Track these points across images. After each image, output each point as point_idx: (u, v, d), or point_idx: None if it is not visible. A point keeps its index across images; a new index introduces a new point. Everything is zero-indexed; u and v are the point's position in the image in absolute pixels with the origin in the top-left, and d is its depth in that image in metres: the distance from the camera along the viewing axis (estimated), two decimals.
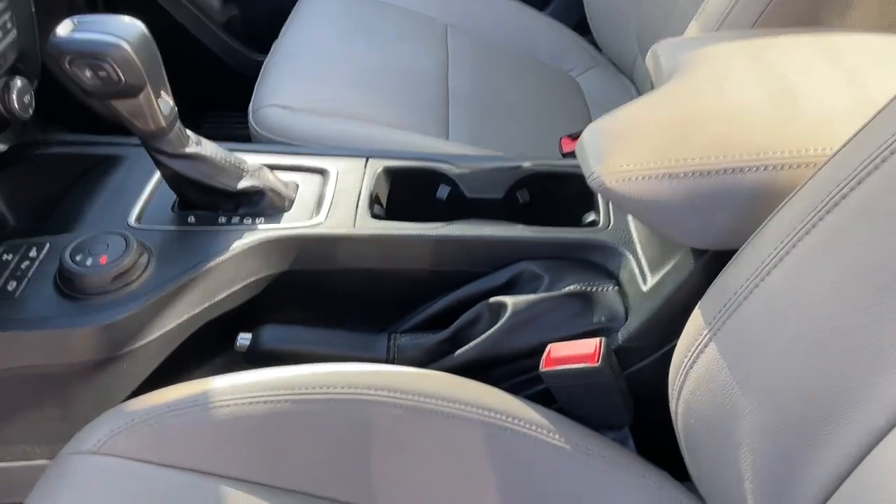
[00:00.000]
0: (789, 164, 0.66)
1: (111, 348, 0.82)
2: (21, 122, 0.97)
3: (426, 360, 0.86)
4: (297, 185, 0.99)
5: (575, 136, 1.12)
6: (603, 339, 0.76)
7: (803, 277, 0.54)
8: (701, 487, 0.66)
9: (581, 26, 1.71)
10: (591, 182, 0.70)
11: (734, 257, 0.62)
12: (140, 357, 0.84)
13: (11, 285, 0.84)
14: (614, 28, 1.54)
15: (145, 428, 0.70)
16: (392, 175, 1.02)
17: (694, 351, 0.64)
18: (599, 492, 0.71)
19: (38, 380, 0.82)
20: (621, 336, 0.82)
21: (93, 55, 0.78)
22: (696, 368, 0.64)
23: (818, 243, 0.54)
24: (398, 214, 0.96)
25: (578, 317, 0.84)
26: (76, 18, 0.81)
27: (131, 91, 0.81)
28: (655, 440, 0.79)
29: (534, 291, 0.86)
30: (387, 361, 0.86)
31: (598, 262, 0.89)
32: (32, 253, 0.89)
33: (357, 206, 0.94)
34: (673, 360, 0.67)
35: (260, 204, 0.94)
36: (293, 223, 0.92)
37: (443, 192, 1.01)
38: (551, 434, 0.74)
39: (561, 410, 0.80)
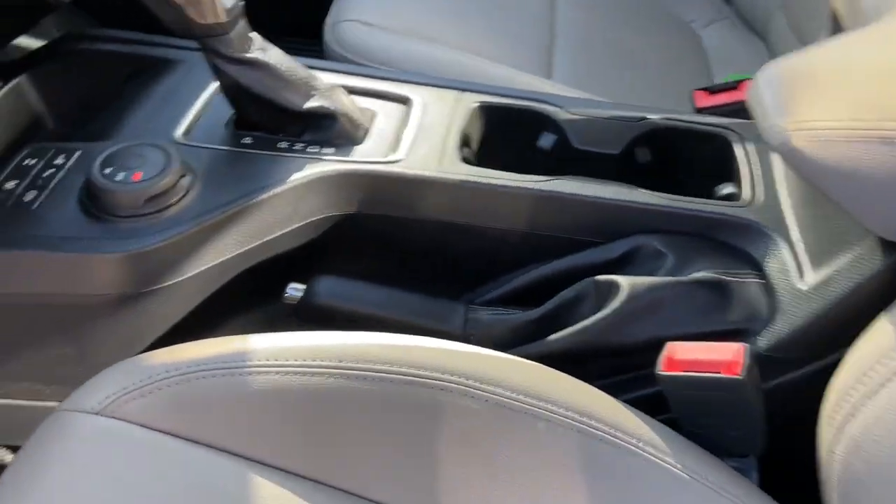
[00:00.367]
0: None
1: (136, 283, 0.68)
2: (66, 10, 0.83)
3: (510, 341, 0.70)
4: (375, 114, 0.83)
5: (712, 90, 0.93)
6: (746, 345, 0.59)
7: None
8: None
9: None
10: (772, 138, 0.52)
11: None
12: (170, 297, 0.71)
13: (30, 195, 0.71)
14: None
15: (165, 390, 0.56)
16: (487, 114, 0.85)
17: (874, 374, 0.49)
18: None
19: (51, 311, 0.70)
20: (763, 342, 0.65)
21: None
22: (877, 399, 0.49)
23: None
24: (491, 162, 0.79)
25: (709, 312, 0.66)
26: None
27: None
28: (784, 475, 0.63)
29: (653, 273, 0.69)
30: (461, 338, 0.70)
31: (738, 245, 0.71)
32: (59, 160, 0.75)
33: (444, 146, 0.78)
34: (836, 380, 0.53)
35: (329, 130, 0.78)
36: (366, 157, 0.76)
37: (546, 140, 0.84)
38: (664, 455, 0.59)
39: (671, 423, 0.64)
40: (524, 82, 0.98)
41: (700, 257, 0.69)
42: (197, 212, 0.70)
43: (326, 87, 0.79)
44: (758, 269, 0.69)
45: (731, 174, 0.79)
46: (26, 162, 0.75)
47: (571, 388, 0.62)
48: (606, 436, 0.58)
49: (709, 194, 0.79)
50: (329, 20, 1.06)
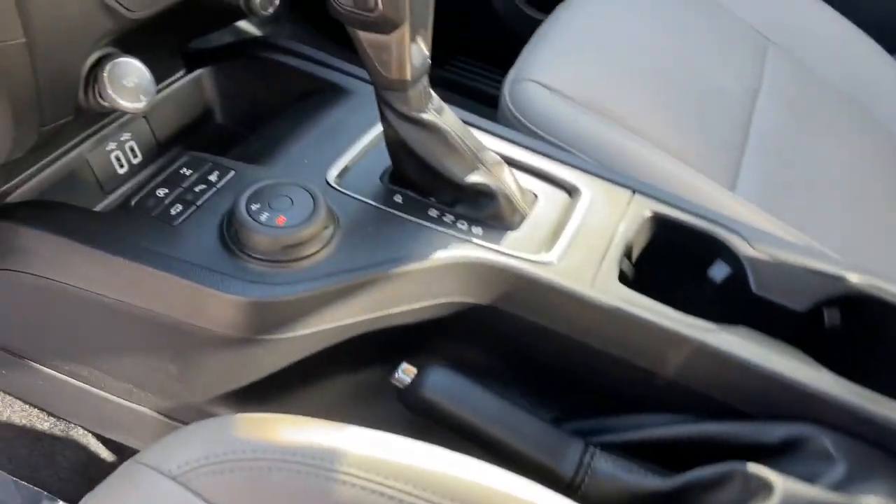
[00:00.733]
0: None
1: (252, 330, 0.65)
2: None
3: None
4: (536, 199, 0.76)
5: None
6: None
7: None
8: None
9: None
10: None
11: None
12: (280, 349, 0.67)
13: (176, 209, 0.70)
14: None
15: (244, 472, 0.52)
16: (659, 225, 0.76)
17: None
18: None
19: (164, 328, 0.68)
20: None
21: None
22: None
23: None
24: (650, 281, 0.70)
25: None
26: None
27: (384, 25, 0.62)
28: None
29: (815, 478, 0.58)
30: (570, 485, 0.62)
31: None
32: (213, 176, 0.73)
33: (604, 257, 0.70)
34: None
35: (485, 209, 0.72)
36: (516, 250, 0.70)
37: (719, 271, 0.74)
38: None
39: None
40: (705, 192, 0.88)
41: (878, 477, 0.57)
42: (330, 270, 0.66)
43: (493, 161, 0.73)
44: None
45: None
46: (182, 171, 0.74)
47: None
48: None
49: None
50: (511, 74, 0.99)
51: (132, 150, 0.85)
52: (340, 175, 0.75)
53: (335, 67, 0.90)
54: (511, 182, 0.74)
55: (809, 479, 0.58)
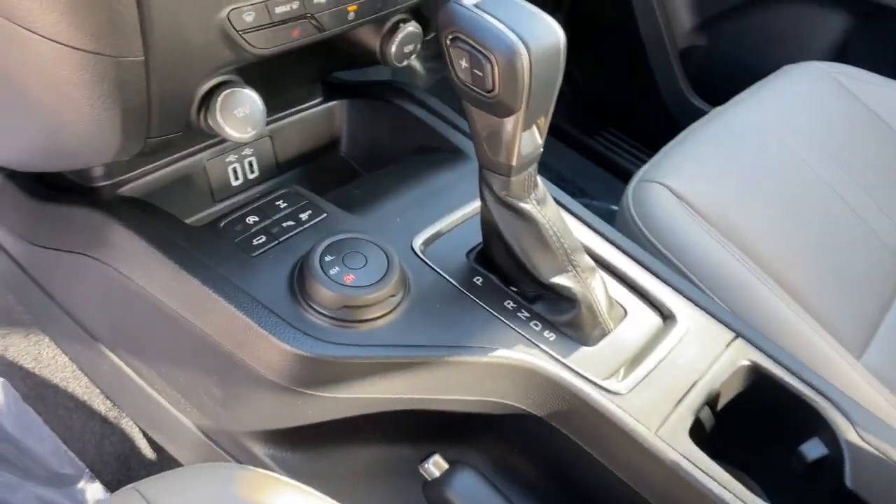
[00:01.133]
0: None
1: (295, 381, 0.63)
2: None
3: None
4: (625, 316, 0.71)
5: None
6: None
7: None
8: None
9: None
10: None
11: None
12: (321, 405, 0.65)
13: (259, 240, 0.70)
14: None
15: None
16: (755, 380, 0.68)
17: None
18: None
19: (217, 354, 0.68)
20: None
21: (479, 45, 0.56)
22: None
23: None
24: (728, 437, 0.63)
25: None
26: None
27: (499, 109, 0.59)
28: None
29: None
30: None
31: None
32: (304, 215, 0.73)
33: (680, 402, 0.63)
34: None
35: (563, 314, 0.68)
36: (585, 369, 0.64)
37: (814, 450, 0.65)
38: None
39: None
40: (824, 353, 0.78)
41: None
42: (388, 341, 0.63)
43: (586, 266, 0.68)
44: None
45: None
46: (278, 203, 0.75)
47: None
48: None
49: None
50: (641, 171, 0.94)
51: (251, 164, 0.87)
52: (428, 242, 0.73)
53: (460, 129, 0.89)
54: (601, 292, 0.69)
55: None
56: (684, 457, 0.59)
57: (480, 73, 0.57)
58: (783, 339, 0.75)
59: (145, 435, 0.88)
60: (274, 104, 0.87)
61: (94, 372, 0.85)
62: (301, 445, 0.71)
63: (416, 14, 0.78)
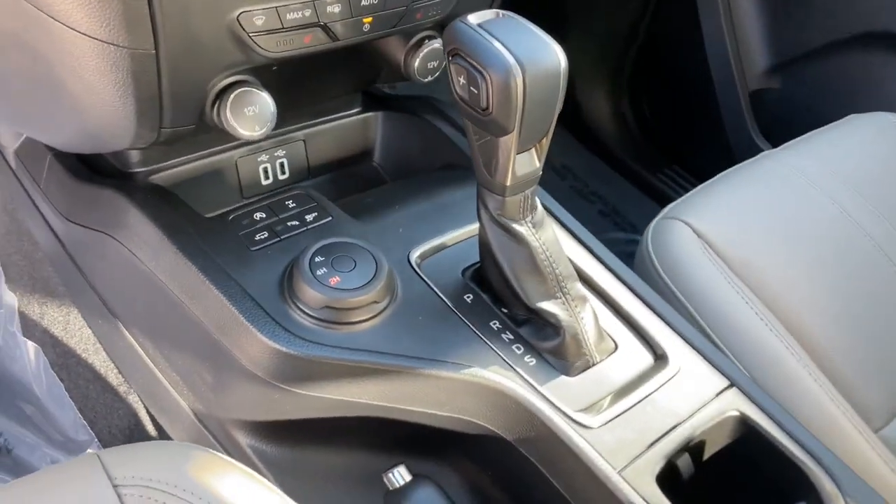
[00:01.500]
0: None
1: (273, 375, 0.65)
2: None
3: None
4: (614, 350, 0.69)
5: None
6: None
7: None
8: None
9: None
10: None
11: None
12: (299, 402, 0.67)
13: (261, 235, 0.72)
14: None
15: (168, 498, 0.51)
16: (743, 433, 0.65)
17: None
18: None
19: (209, 341, 0.70)
20: None
21: (476, 63, 0.57)
22: None
23: None
24: (708, 490, 0.60)
25: None
26: (504, 14, 0.61)
27: (494, 128, 0.59)
28: None
29: None
30: None
31: None
32: (310, 216, 0.75)
33: (654, 443, 0.61)
34: None
35: (548, 341, 0.67)
36: (559, 399, 0.63)
37: None
38: None
39: None
40: (833, 417, 0.74)
41: None
42: (366, 345, 0.64)
43: (577, 295, 0.68)
44: None
45: None
46: (287, 202, 0.77)
47: None
48: None
49: None
50: (665, 209, 0.91)
51: (282, 166, 0.90)
52: (425, 255, 0.73)
53: None
54: (590, 323, 0.68)
55: None
56: (645, 500, 0.57)
57: (476, 91, 0.58)
58: (789, 397, 0.72)
59: (149, 412, 0.92)
60: (308, 111, 0.91)
61: (111, 347, 0.90)
62: (281, 441, 0.72)
63: (443, 30, 0.80)
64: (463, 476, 0.68)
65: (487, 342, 0.66)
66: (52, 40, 0.57)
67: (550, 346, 0.67)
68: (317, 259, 0.67)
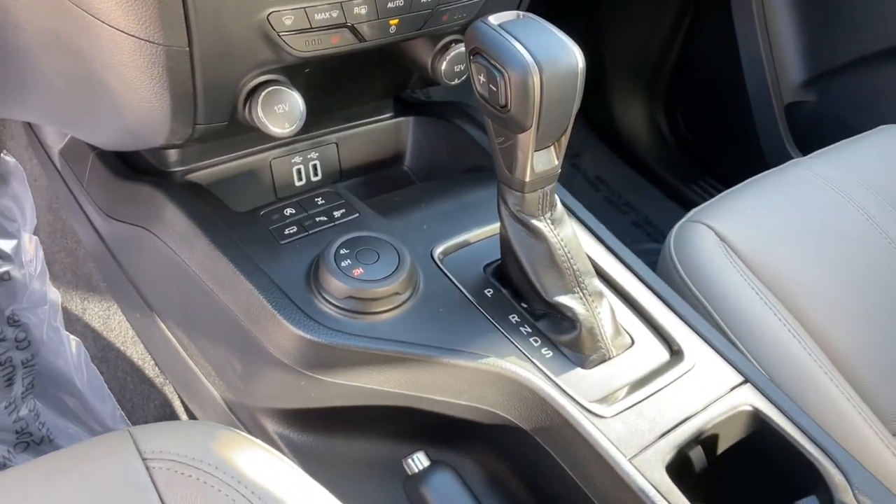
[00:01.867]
0: None
1: (298, 362, 0.68)
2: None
3: None
4: (630, 345, 0.70)
5: None
6: None
7: None
8: None
9: None
10: None
11: None
12: (323, 389, 0.69)
13: (290, 230, 0.75)
14: None
15: (197, 484, 0.54)
16: (756, 428, 0.65)
17: None
18: None
19: (239, 330, 0.73)
20: None
21: (495, 61, 0.59)
22: None
23: None
24: (720, 483, 0.61)
25: None
26: (524, 15, 0.63)
27: (511, 125, 0.61)
28: None
29: None
30: None
31: None
32: (338, 213, 0.78)
33: (665, 434, 0.62)
34: None
35: (564, 334, 0.68)
36: (574, 389, 0.64)
37: None
38: None
39: None
40: (850, 417, 0.74)
41: None
42: (387, 335, 0.66)
43: (594, 290, 0.69)
44: None
45: None
46: (317, 199, 0.80)
47: None
48: None
49: None
50: (690, 212, 0.92)
51: (315, 168, 0.93)
52: (448, 251, 0.75)
53: None
54: (606, 318, 0.69)
55: None
56: (654, 487, 0.58)
57: (495, 89, 0.60)
58: (806, 396, 0.72)
59: (183, 403, 0.95)
60: (341, 115, 0.94)
61: (148, 339, 0.93)
62: (306, 429, 0.75)
63: None
64: (480, 464, 0.70)
65: (506, 334, 0.68)
66: (92, 38, 0.60)
67: (567, 339, 0.68)
68: (342, 251, 0.69)
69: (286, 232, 0.75)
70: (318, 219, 0.77)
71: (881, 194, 0.99)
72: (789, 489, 0.63)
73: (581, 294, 0.68)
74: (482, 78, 0.62)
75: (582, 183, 1.92)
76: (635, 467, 0.59)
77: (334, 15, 0.65)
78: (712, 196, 1.81)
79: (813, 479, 0.62)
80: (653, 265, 0.80)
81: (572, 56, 0.60)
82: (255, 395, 0.75)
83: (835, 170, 1.02)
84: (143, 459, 0.55)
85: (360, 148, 0.97)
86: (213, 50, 0.62)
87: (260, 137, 0.86)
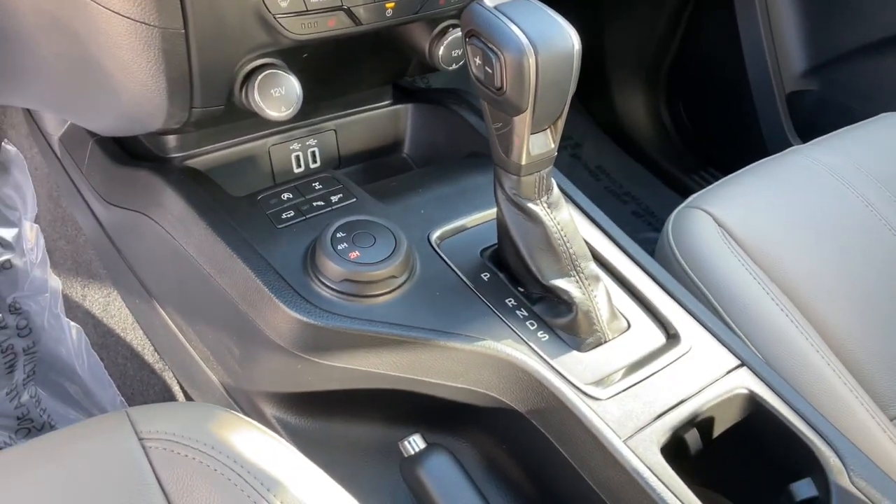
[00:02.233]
0: None
1: (294, 344, 0.68)
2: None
3: None
4: (627, 329, 0.70)
5: None
6: None
7: None
8: None
9: None
10: None
11: None
12: (320, 372, 0.69)
13: (287, 214, 0.75)
14: None
15: (193, 464, 0.54)
16: (752, 411, 0.66)
17: None
18: None
19: (236, 314, 0.73)
20: None
21: (491, 43, 0.59)
22: None
23: None
24: (715, 466, 0.61)
25: None
26: None
27: (507, 107, 0.61)
28: None
29: None
30: None
31: None
32: (335, 198, 0.78)
33: (659, 416, 0.62)
34: None
35: (560, 317, 0.68)
36: (569, 372, 0.65)
37: (802, 490, 0.62)
38: None
39: None
40: (847, 402, 0.74)
41: None
42: (383, 318, 0.67)
43: (590, 274, 0.69)
44: None
45: None
46: (314, 184, 0.80)
47: None
48: None
49: None
50: (686, 201, 0.92)
51: (313, 154, 0.93)
52: (445, 235, 0.75)
53: None
54: (602, 302, 0.69)
55: None
56: (648, 468, 0.58)
57: (491, 71, 0.60)
58: (803, 381, 0.72)
59: (182, 388, 0.95)
60: (340, 101, 0.94)
61: (147, 325, 0.94)
62: (303, 413, 0.75)
63: None
64: (476, 446, 0.70)
65: (502, 318, 0.68)
66: (89, 20, 0.60)
67: (563, 322, 0.68)
68: (338, 235, 0.69)
69: (283, 216, 0.75)
70: (315, 203, 0.77)
71: (881, 181, 0.98)
72: (785, 472, 0.63)
73: (577, 277, 0.68)
74: (478, 60, 0.62)
75: (582, 173, 1.92)
76: (630, 449, 0.59)
77: None
78: (708, 183, 1.81)
79: (808, 462, 0.62)
80: (653, 254, 0.80)
81: (568, 38, 0.60)
82: (252, 379, 0.76)
83: (834, 156, 1.02)
84: (140, 439, 0.56)
85: (358, 135, 0.97)
86: (208, 32, 0.62)
87: (258, 124, 0.86)
